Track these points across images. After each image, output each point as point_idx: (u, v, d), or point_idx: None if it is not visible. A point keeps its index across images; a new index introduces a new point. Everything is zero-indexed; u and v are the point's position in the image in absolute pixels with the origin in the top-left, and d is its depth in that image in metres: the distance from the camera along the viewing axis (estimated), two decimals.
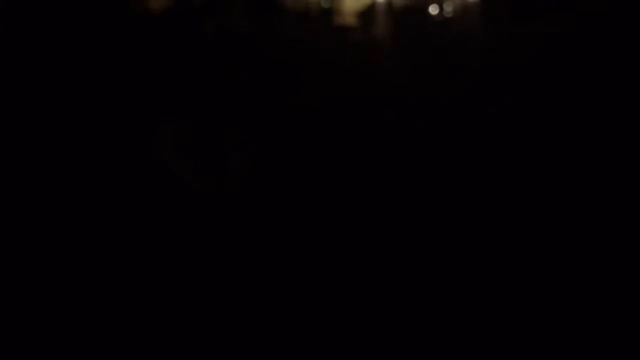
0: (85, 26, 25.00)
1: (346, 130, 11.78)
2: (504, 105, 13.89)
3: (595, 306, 5.69)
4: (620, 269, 6.44)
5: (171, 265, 6.79)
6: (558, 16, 27.26)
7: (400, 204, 8.43)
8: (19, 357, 5.18)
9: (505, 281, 6.32)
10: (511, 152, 10.40)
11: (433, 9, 30.81)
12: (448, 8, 31.75)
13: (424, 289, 6.26)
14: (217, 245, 6.95)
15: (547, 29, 25.85)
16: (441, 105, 13.83)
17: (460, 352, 5.16)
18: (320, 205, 7.83)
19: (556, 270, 6.52)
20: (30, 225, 7.67)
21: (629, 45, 19.34)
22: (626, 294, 5.90)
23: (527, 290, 6.06)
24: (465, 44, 23.58)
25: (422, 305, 5.94)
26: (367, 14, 31.53)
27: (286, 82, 16.48)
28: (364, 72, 17.73)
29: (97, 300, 6.05)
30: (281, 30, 28.05)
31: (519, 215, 7.94)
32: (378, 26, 29.43)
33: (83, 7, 27.01)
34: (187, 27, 25.91)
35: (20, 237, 7.35)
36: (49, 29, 23.63)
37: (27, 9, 25.97)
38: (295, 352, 5.30)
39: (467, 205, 8.40)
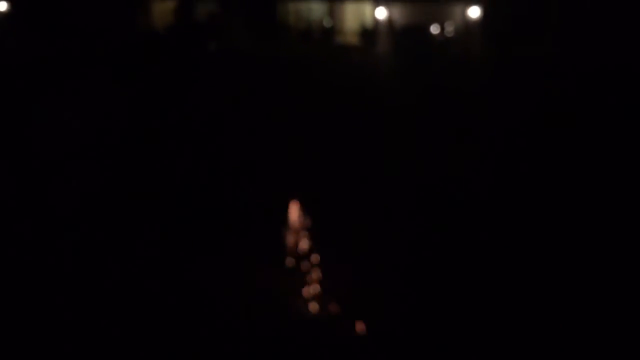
0: (92, 43, 25.32)
1: (345, 147, 11.95)
2: (503, 123, 14.05)
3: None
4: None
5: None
6: (558, 37, 27.56)
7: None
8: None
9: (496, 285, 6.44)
10: (508, 167, 10.55)
11: (434, 29, 31.11)
12: (449, 27, 32.05)
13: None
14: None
15: (546, 49, 26.12)
16: (440, 125, 14.00)
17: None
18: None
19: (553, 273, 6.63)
20: None
21: (629, 69, 19.52)
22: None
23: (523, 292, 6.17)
24: (465, 63, 23.80)
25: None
26: (368, 33, 31.90)
27: (286, 100, 16.67)
28: (364, 91, 17.92)
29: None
30: (283, 48, 28.38)
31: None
32: (380, 45, 29.76)
33: (90, 24, 27.39)
34: (190, 45, 26.21)
35: None
36: (57, 46, 23.91)
37: (36, 26, 26.35)
38: None
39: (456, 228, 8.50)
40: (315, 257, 6.85)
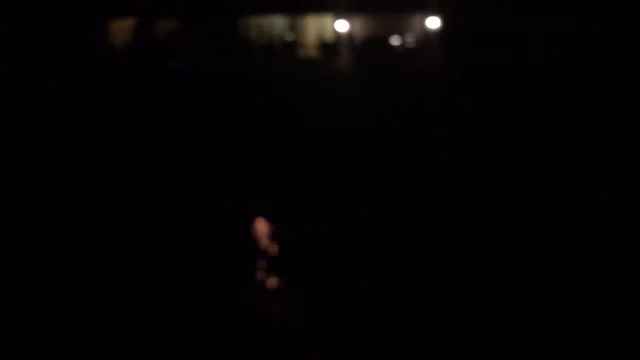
0: (51, 62, 25.00)
1: (308, 160, 11.94)
2: (463, 132, 14.21)
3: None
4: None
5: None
6: (516, 48, 28.04)
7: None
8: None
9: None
10: (470, 174, 10.63)
11: (395, 40, 31.45)
12: (409, 39, 32.44)
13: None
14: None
15: (506, 57, 26.53)
16: (403, 134, 14.10)
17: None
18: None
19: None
20: None
21: (587, 81, 19.96)
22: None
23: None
24: (426, 73, 24.04)
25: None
26: (330, 47, 32.08)
27: (251, 115, 16.63)
28: (327, 105, 17.97)
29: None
30: (246, 64, 28.30)
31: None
32: (341, 58, 29.92)
33: (49, 43, 27.05)
34: (151, 64, 26.01)
35: None
36: (15, 65, 23.58)
37: None
38: None
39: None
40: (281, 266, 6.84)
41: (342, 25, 29.45)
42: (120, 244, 8.31)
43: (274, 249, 6.96)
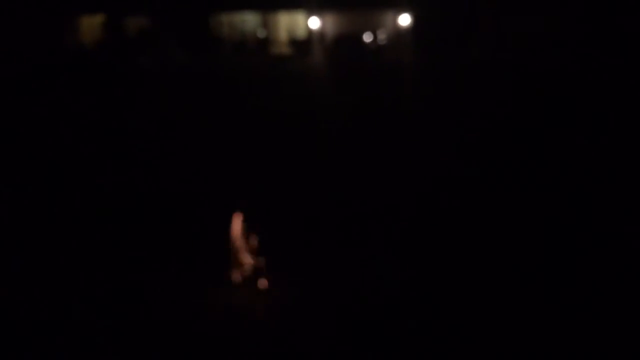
0: (21, 59, 24.57)
1: (280, 157, 11.90)
2: (434, 127, 14.29)
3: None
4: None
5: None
6: (487, 42, 28.27)
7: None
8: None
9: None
10: (444, 171, 10.70)
11: (367, 37, 31.45)
12: (381, 36, 32.46)
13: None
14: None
15: (477, 54, 26.74)
16: (376, 130, 14.13)
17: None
18: None
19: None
20: None
21: (560, 76, 20.19)
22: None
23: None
24: (398, 70, 24.13)
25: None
26: (302, 43, 32.00)
27: (223, 112, 16.53)
28: (300, 101, 17.93)
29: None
30: (217, 61, 28.11)
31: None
32: (313, 55, 29.84)
33: (18, 42, 26.57)
34: (120, 61, 25.69)
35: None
36: None
37: None
38: None
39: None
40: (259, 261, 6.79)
41: (314, 22, 29.41)
42: (95, 240, 8.18)
43: (252, 244, 6.91)
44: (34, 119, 15.86)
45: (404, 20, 29.40)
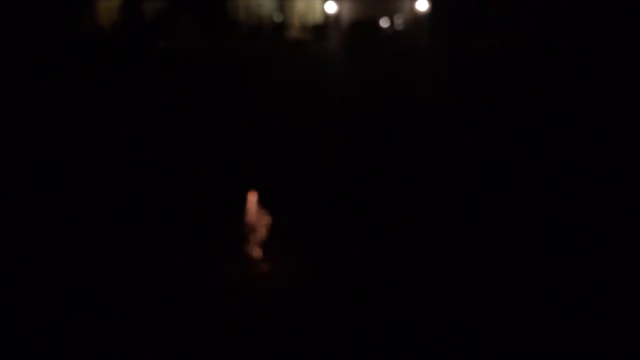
0: (38, 43, 24.70)
1: (299, 143, 11.91)
2: (450, 114, 14.22)
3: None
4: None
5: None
6: (504, 29, 28.04)
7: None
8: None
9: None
10: (458, 165, 10.64)
11: (384, 22, 31.30)
12: (398, 21, 32.29)
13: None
14: None
15: (493, 42, 26.53)
16: (391, 116, 14.10)
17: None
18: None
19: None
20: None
21: (576, 60, 20.00)
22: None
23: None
24: (414, 56, 24.01)
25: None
26: (319, 28, 31.90)
27: (239, 96, 16.57)
28: (316, 85, 17.93)
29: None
30: (234, 45, 28.12)
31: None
32: (330, 40, 29.76)
33: (35, 25, 26.70)
34: (139, 44, 25.76)
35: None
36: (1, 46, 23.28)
37: None
38: None
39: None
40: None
41: (330, 7, 29.30)
42: (108, 223, 8.25)
43: (266, 222, 6.95)
44: (51, 103, 15.96)
45: (422, 5, 29.21)
